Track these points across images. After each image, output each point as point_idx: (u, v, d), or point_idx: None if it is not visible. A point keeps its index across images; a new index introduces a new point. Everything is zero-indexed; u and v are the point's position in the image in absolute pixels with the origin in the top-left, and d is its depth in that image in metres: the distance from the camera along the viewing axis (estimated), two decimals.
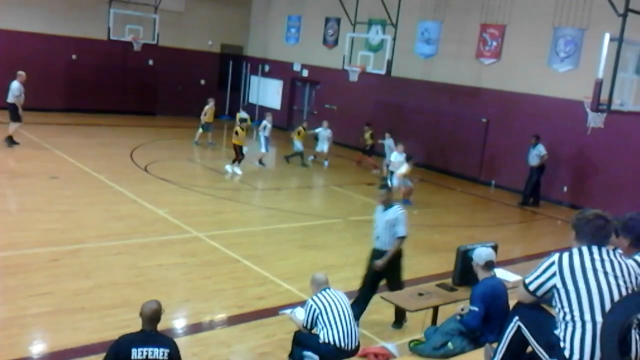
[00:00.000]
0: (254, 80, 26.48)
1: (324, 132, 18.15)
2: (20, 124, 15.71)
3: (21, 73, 15.79)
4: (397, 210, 7.13)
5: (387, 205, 7.21)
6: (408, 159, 14.52)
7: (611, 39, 9.94)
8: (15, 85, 15.60)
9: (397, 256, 7.27)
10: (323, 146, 18.12)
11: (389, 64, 16.95)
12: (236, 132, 15.47)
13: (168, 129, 21.96)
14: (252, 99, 26.57)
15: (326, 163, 17.93)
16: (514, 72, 16.82)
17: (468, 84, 18.00)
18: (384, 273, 7.27)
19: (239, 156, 15.41)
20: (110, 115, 22.43)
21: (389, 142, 16.89)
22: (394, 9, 17.13)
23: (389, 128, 17.48)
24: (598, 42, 10.17)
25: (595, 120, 11.63)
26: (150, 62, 24.14)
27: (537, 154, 15.09)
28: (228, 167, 15.49)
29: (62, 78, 21.88)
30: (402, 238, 7.16)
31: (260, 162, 16.86)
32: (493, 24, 17.35)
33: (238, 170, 15.36)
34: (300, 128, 18.06)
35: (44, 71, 20.82)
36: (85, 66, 22.35)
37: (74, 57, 22.32)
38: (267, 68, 25.90)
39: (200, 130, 19.02)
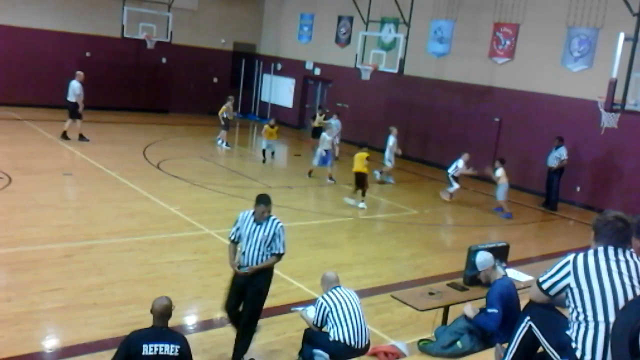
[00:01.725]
0: (267, 78, 26.51)
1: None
2: (78, 121, 16.54)
3: (80, 73, 16.78)
4: (275, 224, 5.96)
5: (264, 218, 5.97)
6: (502, 162, 14.12)
7: (626, 39, 9.90)
8: (76, 84, 16.51)
9: (267, 279, 6.10)
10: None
11: (402, 62, 16.90)
12: (367, 158, 13.38)
13: (180, 126, 22.06)
14: (265, 97, 26.63)
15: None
16: (528, 71, 16.71)
17: (481, 83, 17.91)
18: (244, 293, 6.09)
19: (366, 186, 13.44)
20: (123, 113, 22.55)
21: (335, 122, 17.89)
22: (406, 7, 17.08)
23: (336, 111, 18.94)
24: (612, 41, 10.13)
25: (609, 120, 11.58)
26: (164, 60, 24.26)
27: (557, 156, 14.75)
28: (360, 204, 13.22)
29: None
30: (280, 256, 6.07)
31: (331, 177, 15.61)
32: (506, 23, 17.24)
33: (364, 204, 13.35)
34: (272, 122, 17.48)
35: (57, 68, 20.99)
36: (98, 64, 22.43)
37: (87, 54, 22.43)
38: (279, 66, 25.92)
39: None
